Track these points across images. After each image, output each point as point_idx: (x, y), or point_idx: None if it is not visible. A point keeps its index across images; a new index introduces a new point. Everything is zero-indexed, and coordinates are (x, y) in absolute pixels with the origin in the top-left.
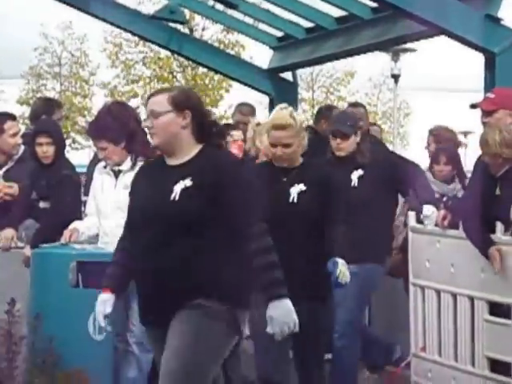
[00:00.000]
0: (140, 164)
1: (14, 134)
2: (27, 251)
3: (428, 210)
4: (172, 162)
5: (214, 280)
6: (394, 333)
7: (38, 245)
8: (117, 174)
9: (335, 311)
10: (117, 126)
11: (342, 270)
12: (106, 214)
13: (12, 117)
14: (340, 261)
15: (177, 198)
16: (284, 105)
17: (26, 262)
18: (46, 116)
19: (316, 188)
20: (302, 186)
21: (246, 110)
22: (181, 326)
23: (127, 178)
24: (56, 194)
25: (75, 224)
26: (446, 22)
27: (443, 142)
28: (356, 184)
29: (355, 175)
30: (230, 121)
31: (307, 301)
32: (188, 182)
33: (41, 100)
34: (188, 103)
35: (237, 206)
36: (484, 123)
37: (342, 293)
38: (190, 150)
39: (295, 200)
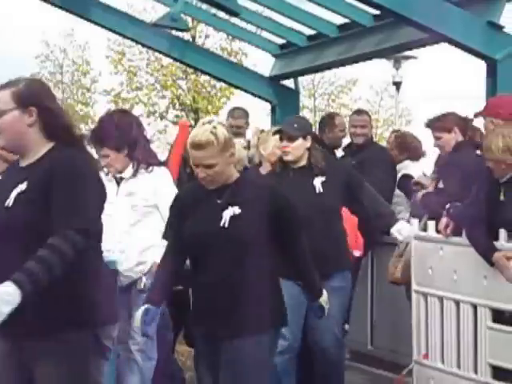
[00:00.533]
0: (142, 171)
1: None
2: None
3: (399, 228)
4: (23, 162)
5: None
6: (396, 340)
7: None
8: (118, 181)
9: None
10: (119, 133)
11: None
12: (108, 221)
13: None
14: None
15: (10, 203)
16: (208, 119)
17: None
18: None
19: (254, 210)
20: (236, 209)
21: (237, 113)
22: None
23: (129, 185)
24: None
25: None
26: (447, 29)
27: (410, 151)
28: (321, 190)
29: (318, 181)
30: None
31: (229, 339)
32: (23, 186)
33: None
34: (33, 99)
35: (57, 208)
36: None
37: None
38: (39, 149)
39: (226, 224)
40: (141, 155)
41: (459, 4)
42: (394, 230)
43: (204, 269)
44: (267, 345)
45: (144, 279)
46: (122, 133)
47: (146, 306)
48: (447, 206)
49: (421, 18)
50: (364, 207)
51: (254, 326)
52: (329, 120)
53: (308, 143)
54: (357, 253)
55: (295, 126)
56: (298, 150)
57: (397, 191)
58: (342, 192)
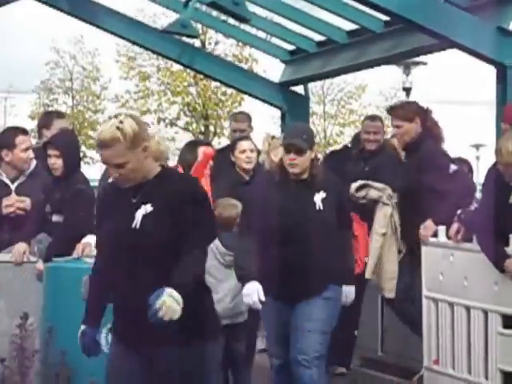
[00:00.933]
0: None
1: (26, 149)
2: (40, 265)
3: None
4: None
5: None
6: (406, 346)
7: (50, 259)
8: None
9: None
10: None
11: (167, 302)
12: None
13: (23, 131)
14: (167, 290)
15: (137, 224)
16: (113, 115)
17: (38, 276)
18: (45, 129)
19: (167, 206)
20: (148, 207)
21: (240, 117)
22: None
23: None
24: (69, 208)
25: (88, 238)
26: (457, 35)
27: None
28: (321, 207)
29: (318, 198)
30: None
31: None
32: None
33: (42, 114)
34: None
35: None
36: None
37: (309, 321)
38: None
39: (137, 225)
40: None
41: (469, 10)
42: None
43: (118, 271)
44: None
45: None
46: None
47: (83, 327)
48: (458, 211)
49: (430, 23)
50: None
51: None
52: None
53: (313, 154)
54: (366, 259)
55: (304, 137)
56: (305, 163)
57: None
58: (337, 209)
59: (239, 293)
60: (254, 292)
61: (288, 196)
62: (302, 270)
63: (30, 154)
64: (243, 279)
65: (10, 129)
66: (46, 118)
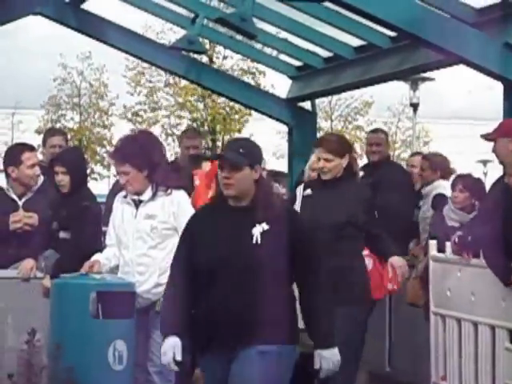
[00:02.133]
0: (161, 194)
1: (32, 165)
2: (46, 282)
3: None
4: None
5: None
6: (414, 361)
7: (57, 275)
8: (137, 203)
9: None
10: (143, 153)
11: None
12: (126, 244)
13: (30, 148)
14: None
15: (259, 241)
16: None
17: (45, 293)
18: (43, 146)
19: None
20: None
21: (192, 133)
22: None
23: (148, 207)
24: (76, 225)
25: (96, 256)
26: (464, 51)
27: (440, 169)
28: (259, 240)
29: (257, 230)
30: None
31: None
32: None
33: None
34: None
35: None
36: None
37: None
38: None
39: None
40: (161, 178)
41: (476, 26)
42: None
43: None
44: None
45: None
46: (146, 153)
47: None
48: (455, 237)
49: (437, 39)
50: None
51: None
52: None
53: (256, 175)
54: (390, 286)
55: (241, 150)
56: (243, 182)
57: (431, 212)
58: (285, 247)
59: None
60: (168, 350)
61: (221, 227)
62: (228, 318)
63: (37, 170)
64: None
65: (16, 145)
66: (43, 136)
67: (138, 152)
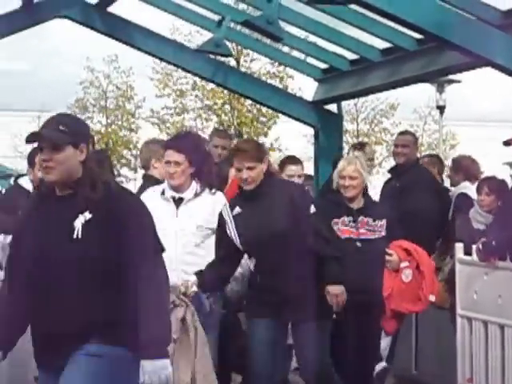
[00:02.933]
0: (206, 192)
1: None
2: None
3: None
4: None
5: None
6: (441, 364)
7: None
8: (177, 201)
9: None
10: (197, 150)
11: None
12: (169, 242)
13: None
14: None
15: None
16: None
17: None
18: None
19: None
20: None
21: (223, 134)
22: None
23: (191, 206)
24: None
25: None
26: (490, 53)
27: (463, 171)
28: (79, 235)
29: (79, 221)
30: (277, 153)
31: None
32: None
33: None
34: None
35: None
36: None
37: None
38: None
39: None
40: (207, 177)
41: (502, 28)
42: None
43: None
44: None
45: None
46: (200, 151)
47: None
48: (479, 244)
49: (463, 42)
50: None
51: None
52: (359, 148)
53: (82, 156)
54: (432, 297)
55: (61, 127)
56: (64, 165)
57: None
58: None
59: None
60: None
61: (41, 220)
62: (46, 328)
63: None
64: None
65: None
66: None
67: (195, 148)
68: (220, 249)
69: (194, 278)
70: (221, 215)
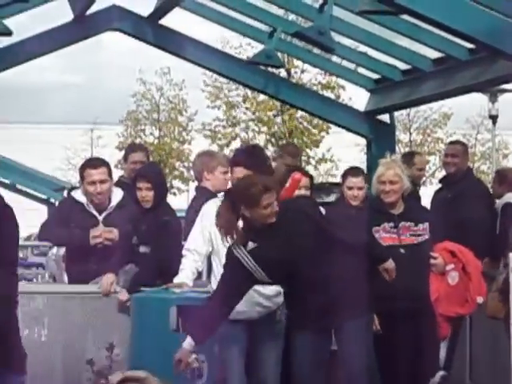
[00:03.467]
0: None
1: (92, 182)
2: (123, 296)
3: None
4: None
5: None
6: (495, 374)
7: (135, 289)
8: None
9: None
10: (265, 164)
11: None
12: None
13: (93, 165)
14: None
15: None
16: None
17: (120, 307)
18: (124, 162)
19: None
20: None
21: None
22: None
23: None
24: (156, 240)
25: (182, 279)
26: None
27: (507, 183)
28: None
29: None
30: (329, 164)
31: None
32: None
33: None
34: None
35: None
36: None
37: None
38: None
39: None
40: None
41: None
42: None
43: None
44: None
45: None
46: (268, 164)
47: None
48: None
49: None
50: None
51: None
52: (408, 157)
53: None
54: (480, 299)
55: None
56: None
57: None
58: None
59: None
60: None
61: None
62: None
63: (98, 187)
64: None
65: (84, 161)
66: (124, 152)
67: (264, 162)
68: (228, 285)
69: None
70: (230, 252)
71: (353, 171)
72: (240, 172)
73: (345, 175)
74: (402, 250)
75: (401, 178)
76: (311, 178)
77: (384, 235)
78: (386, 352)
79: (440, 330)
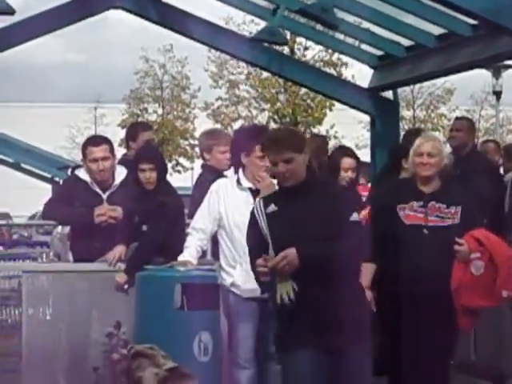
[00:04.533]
0: None
1: (94, 160)
2: (120, 278)
3: None
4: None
5: None
6: (500, 350)
7: (132, 269)
8: (254, 193)
9: None
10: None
11: None
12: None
13: (94, 142)
14: None
15: None
16: None
17: (117, 287)
18: (131, 141)
19: None
20: None
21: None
22: None
23: None
24: (153, 220)
25: (186, 257)
26: None
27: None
28: None
29: None
30: (333, 140)
31: None
32: None
33: (129, 126)
34: None
35: None
36: None
37: None
38: None
39: None
40: None
41: None
42: None
43: None
44: None
45: None
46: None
47: None
48: None
49: None
50: None
51: None
52: (411, 136)
53: None
54: (505, 293)
55: None
56: None
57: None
58: None
59: None
60: None
61: None
62: None
63: (100, 165)
64: None
65: (88, 139)
66: (132, 131)
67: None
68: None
69: None
70: (252, 213)
71: (346, 152)
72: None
73: (338, 156)
74: (426, 231)
75: (440, 152)
76: (358, 159)
77: (409, 213)
78: (405, 335)
79: (462, 322)
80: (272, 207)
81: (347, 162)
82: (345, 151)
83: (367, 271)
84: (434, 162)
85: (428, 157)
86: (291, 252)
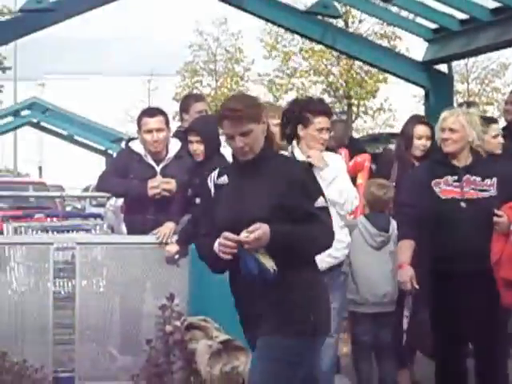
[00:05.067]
0: None
1: (148, 131)
2: (171, 247)
3: None
4: None
5: None
6: None
7: (184, 241)
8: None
9: None
10: None
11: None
12: None
13: (149, 113)
14: None
15: None
16: None
17: (168, 259)
18: (184, 113)
19: None
20: None
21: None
22: None
23: (325, 173)
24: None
25: None
26: None
27: None
28: None
29: None
30: (387, 113)
31: None
32: None
33: (182, 98)
34: None
35: None
36: None
37: None
38: None
39: None
40: None
41: None
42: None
43: None
44: None
45: None
46: None
47: None
48: None
49: None
50: None
51: None
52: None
53: None
54: None
55: None
56: None
57: None
58: None
59: (392, 279)
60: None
61: None
62: None
63: (155, 135)
64: None
65: (143, 111)
66: (185, 102)
67: None
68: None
69: None
70: (206, 183)
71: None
72: (325, 123)
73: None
74: (464, 204)
75: (463, 128)
76: (432, 128)
77: (445, 188)
78: (442, 314)
79: (503, 297)
80: (224, 179)
81: (421, 129)
82: (418, 119)
83: (406, 248)
84: (456, 137)
85: (450, 132)
86: (265, 226)
